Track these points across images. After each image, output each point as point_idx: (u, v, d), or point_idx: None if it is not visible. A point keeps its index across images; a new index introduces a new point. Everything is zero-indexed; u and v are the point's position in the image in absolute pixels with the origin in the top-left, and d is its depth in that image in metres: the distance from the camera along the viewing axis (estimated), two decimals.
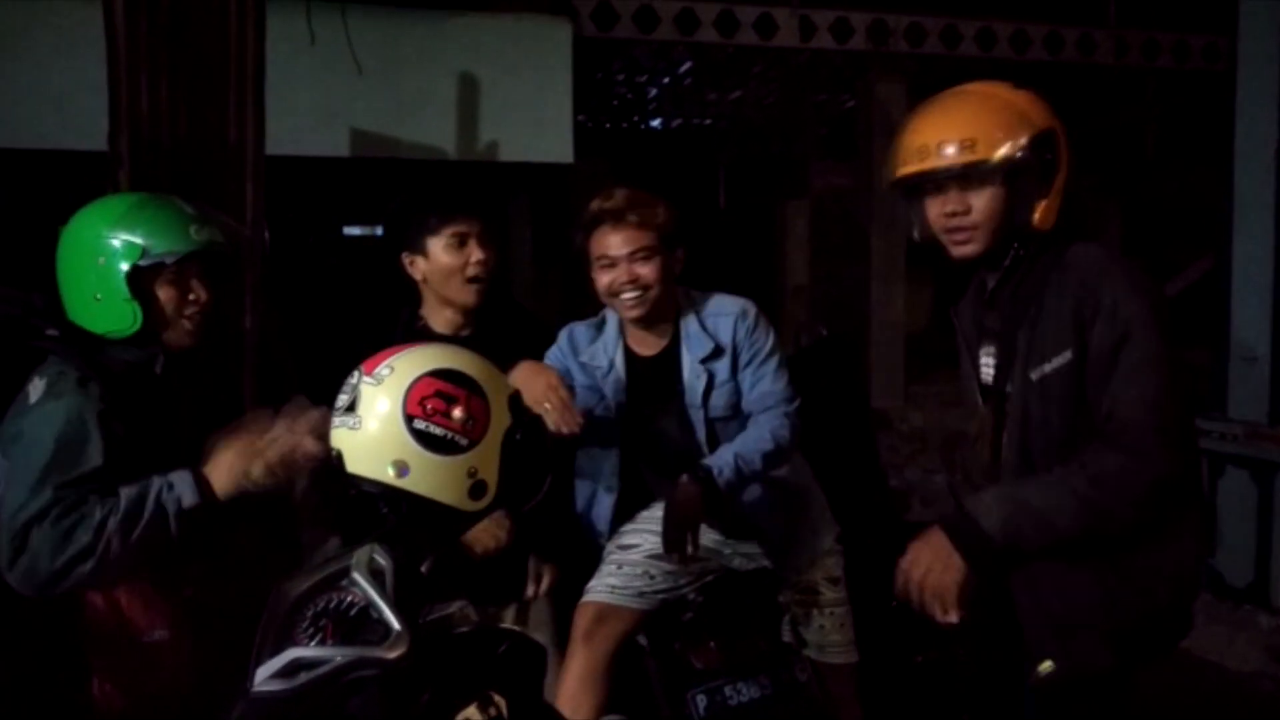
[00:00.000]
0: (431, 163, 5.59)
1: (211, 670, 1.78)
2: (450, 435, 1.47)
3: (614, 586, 2.30)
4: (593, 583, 2.33)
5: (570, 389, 2.19)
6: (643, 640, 2.37)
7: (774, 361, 2.33)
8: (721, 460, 2.21)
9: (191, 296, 1.91)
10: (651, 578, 2.31)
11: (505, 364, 2.12)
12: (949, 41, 7.19)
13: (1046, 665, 1.77)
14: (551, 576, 2.39)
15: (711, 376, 2.32)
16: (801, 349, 4.56)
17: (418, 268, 2.42)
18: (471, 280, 2.38)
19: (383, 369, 1.52)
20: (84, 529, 1.72)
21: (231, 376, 2.79)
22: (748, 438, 2.26)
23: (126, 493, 1.75)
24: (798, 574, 2.43)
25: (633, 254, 2.24)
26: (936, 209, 1.80)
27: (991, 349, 1.88)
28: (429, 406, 1.47)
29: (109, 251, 1.83)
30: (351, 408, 1.50)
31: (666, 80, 8.17)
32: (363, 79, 5.22)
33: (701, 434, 2.32)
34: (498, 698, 1.49)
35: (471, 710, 1.48)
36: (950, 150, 1.73)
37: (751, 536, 2.40)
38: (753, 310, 2.36)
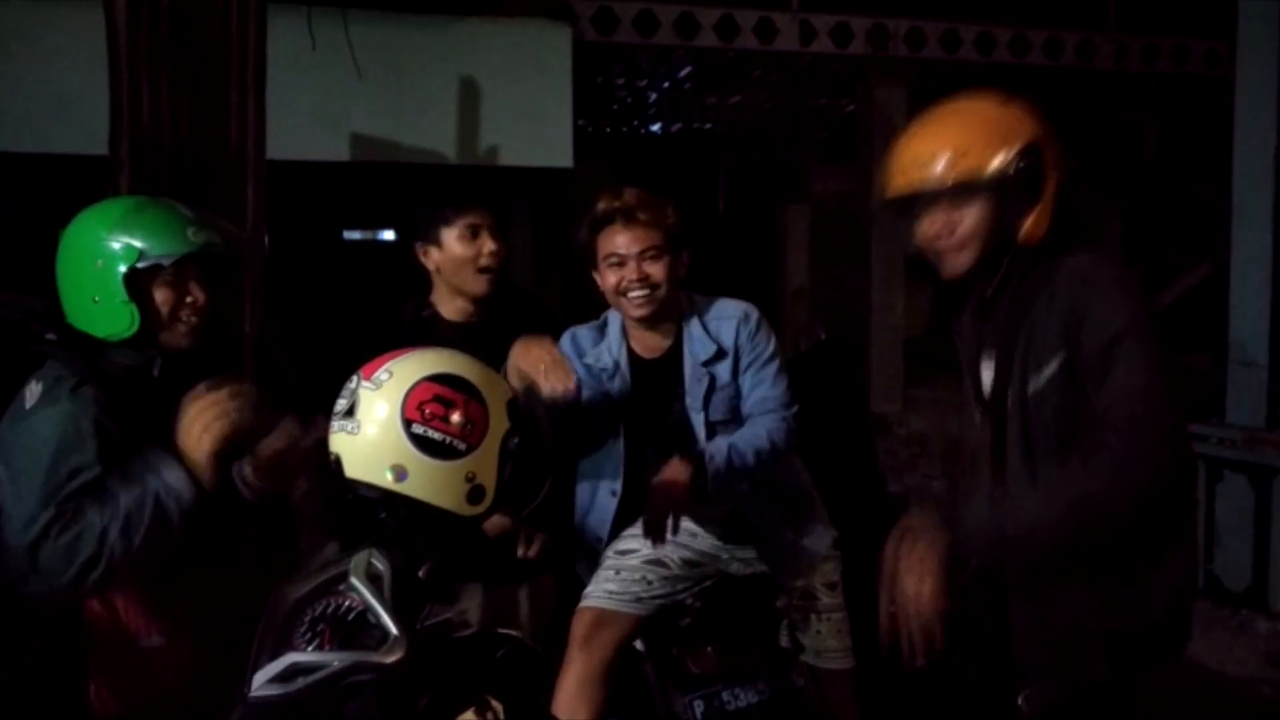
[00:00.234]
0: (432, 167, 5.60)
1: (209, 675, 1.78)
2: (448, 440, 1.48)
3: (612, 592, 2.30)
4: (590, 588, 2.33)
5: (563, 354, 2.20)
6: (640, 645, 2.37)
7: (774, 366, 2.34)
8: (715, 447, 2.21)
9: (189, 299, 1.91)
10: (649, 583, 2.31)
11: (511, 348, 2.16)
12: (949, 46, 7.20)
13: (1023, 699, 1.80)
14: (541, 543, 2.40)
15: (713, 379, 2.32)
16: (800, 353, 4.57)
17: (431, 258, 2.49)
18: (483, 270, 2.46)
19: (381, 373, 1.52)
20: (87, 540, 1.73)
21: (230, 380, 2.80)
22: (744, 434, 2.27)
23: (125, 499, 1.75)
24: (795, 579, 2.43)
25: (642, 253, 2.25)
26: (926, 226, 1.82)
27: (990, 360, 1.89)
28: (427, 411, 1.48)
29: (107, 254, 1.83)
30: (350, 412, 1.50)
31: (666, 84, 8.19)
32: (363, 83, 5.24)
33: (701, 436, 2.32)
34: (495, 703, 1.49)
35: (469, 715, 1.48)
36: (934, 171, 1.75)
37: (749, 541, 2.40)
38: (755, 314, 2.37)
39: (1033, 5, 7.30)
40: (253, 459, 1.89)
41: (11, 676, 1.91)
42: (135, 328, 1.85)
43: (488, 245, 2.44)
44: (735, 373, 2.33)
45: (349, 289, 8.10)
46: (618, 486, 2.39)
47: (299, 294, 6.99)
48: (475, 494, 1.51)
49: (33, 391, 1.82)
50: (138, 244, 1.84)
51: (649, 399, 2.36)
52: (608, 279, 2.29)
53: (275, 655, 1.38)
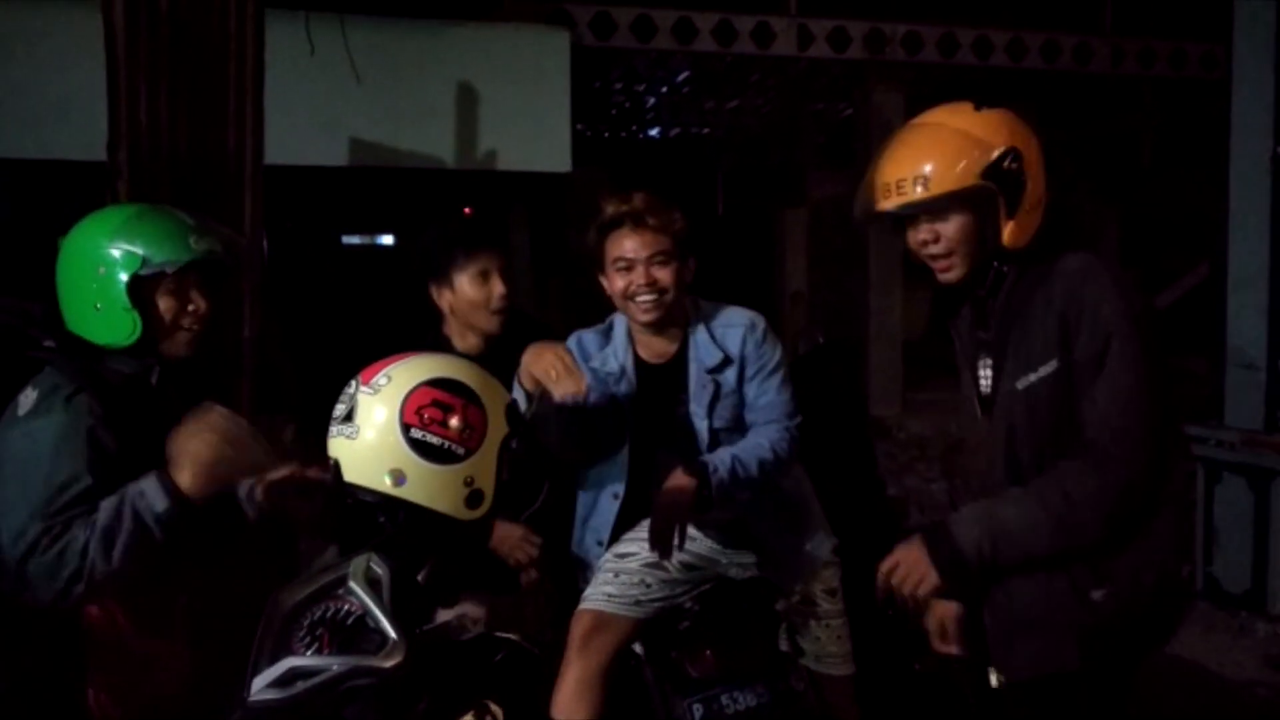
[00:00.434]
0: (430, 171, 5.60)
1: (208, 679, 1.78)
2: (447, 444, 1.48)
3: (611, 595, 2.30)
4: (589, 591, 2.33)
5: (575, 358, 2.20)
6: (639, 649, 2.37)
7: (779, 375, 2.34)
8: (718, 458, 2.21)
9: (191, 306, 1.92)
10: (648, 586, 2.31)
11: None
12: (946, 50, 7.21)
13: (996, 679, 1.88)
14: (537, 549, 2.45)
15: (718, 387, 2.33)
16: (799, 356, 4.57)
17: (444, 298, 2.57)
18: (496, 313, 2.54)
19: (380, 378, 1.52)
20: (70, 554, 1.72)
21: (228, 387, 2.80)
22: (747, 444, 2.27)
23: (104, 508, 1.75)
24: (795, 585, 2.43)
25: (651, 257, 2.26)
26: (913, 238, 1.86)
27: (988, 360, 1.91)
28: (426, 415, 1.48)
29: (109, 261, 1.84)
30: (349, 417, 1.51)
31: (664, 89, 8.20)
32: (361, 89, 5.24)
33: (705, 443, 2.32)
34: (494, 706, 1.50)
35: (468, 719, 1.49)
36: (907, 188, 1.79)
37: (748, 546, 2.40)
38: (762, 323, 2.38)
39: (1030, 9, 7.31)
40: (261, 484, 1.90)
41: (11, 680, 1.91)
42: (137, 335, 1.86)
43: (498, 288, 2.52)
44: (740, 381, 2.34)
45: (347, 293, 8.12)
46: (620, 489, 2.39)
47: (297, 298, 7.00)
48: (474, 498, 1.51)
49: (28, 398, 1.82)
50: (140, 251, 1.84)
51: (654, 404, 2.37)
52: (615, 283, 2.29)
53: (274, 659, 1.39)
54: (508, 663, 1.60)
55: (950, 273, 1.85)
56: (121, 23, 2.86)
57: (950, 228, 1.80)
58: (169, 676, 1.90)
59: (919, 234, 1.84)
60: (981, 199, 1.76)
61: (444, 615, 1.59)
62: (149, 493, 1.76)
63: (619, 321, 2.43)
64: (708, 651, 2.36)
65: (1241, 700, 3.65)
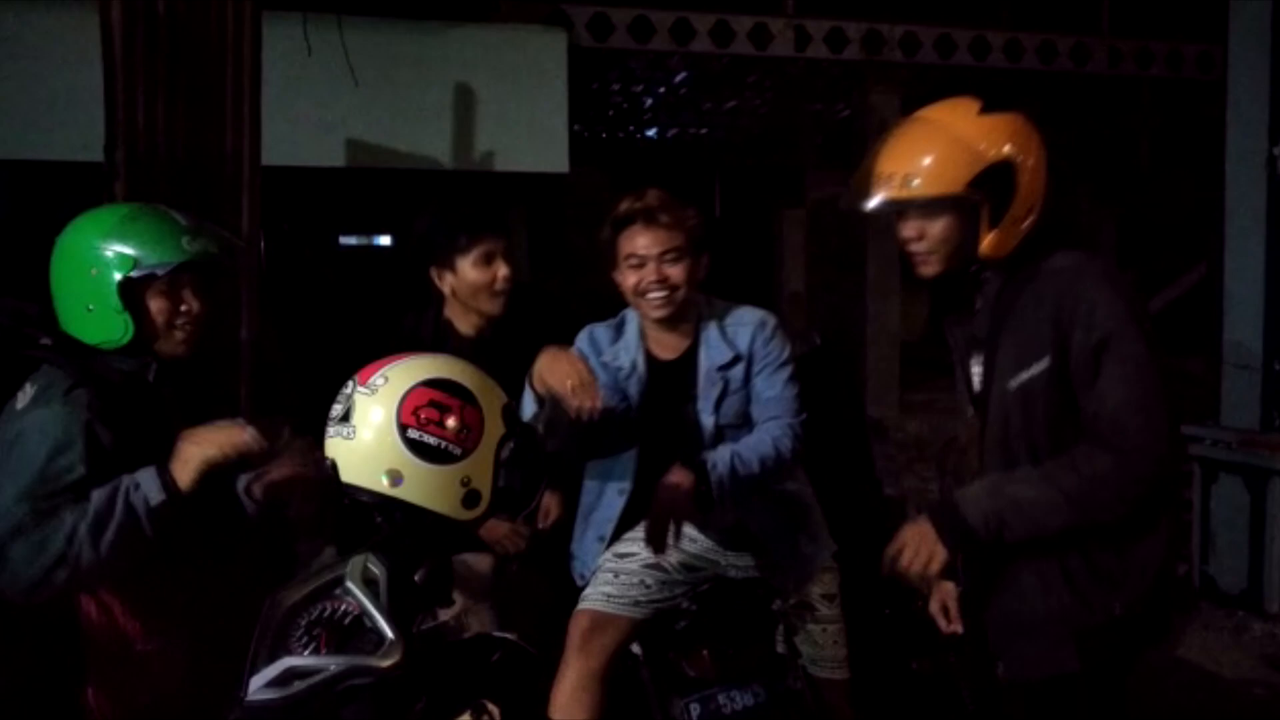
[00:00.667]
0: (427, 172, 5.61)
1: (205, 679, 1.78)
2: (444, 445, 1.48)
3: (609, 595, 2.30)
4: (588, 591, 2.33)
5: (591, 370, 2.19)
6: (637, 649, 2.37)
7: (786, 371, 2.35)
8: (717, 455, 2.22)
9: (184, 307, 1.91)
10: (647, 587, 2.31)
11: (531, 350, 2.16)
12: (943, 51, 7.22)
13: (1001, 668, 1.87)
14: (559, 511, 2.49)
15: (726, 384, 2.33)
16: (796, 358, 4.57)
17: (446, 281, 2.56)
18: (499, 294, 2.53)
19: (377, 378, 1.52)
20: (56, 537, 1.71)
21: (226, 386, 2.80)
22: (749, 440, 2.27)
23: (96, 496, 1.74)
24: (793, 589, 2.44)
25: (663, 254, 2.26)
26: (900, 230, 1.88)
27: (980, 358, 1.92)
28: (423, 416, 1.48)
29: (101, 262, 1.83)
30: (346, 417, 1.51)
31: (662, 90, 8.21)
32: (359, 90, 5.24)
33: (710, 439, 2.33)
34: (491, 706, 1.50)
35: (465, 719, 1.49)
36: (895, 185, 1.80)
37: (747, 548, 2.40)
38: (772, 321, 2.38)
39: (1027, 10, 7.32)
40: (260, 481, 1.89)
41: (8, 680, 1.92)
42: (129, 336, 1.85)
43: (501, 270, 2.52)
44: (748, 377, 2.34)
45: (345, 294, 8.11)
46: (627, 485, 2.39)
47: (295, 299, 7.00)
48: (471, 498, 1.51)
49: (26, 393, 1.82)
50: (132, 253, 1.83)
51: (663, 400, 2.37)
52: (628, 279, 2.30)
53: (271, 659, 1.39)
54: (505, 662, 1.60)
55: (926, 268, 1.87)
56: (119, 24, 2.86)
57: (936, 228, 1.82)
58: (167, 676, 1.89)
59: (907, 228, 1.86)
60: (967, 206, 1.78)
61: (444, 615, 1.59)
62: (144, 484, 1.76)
63: (631, 317, 2.43)
64: (705, 651, 2.36)
65: (1238, 699, 3.66)
